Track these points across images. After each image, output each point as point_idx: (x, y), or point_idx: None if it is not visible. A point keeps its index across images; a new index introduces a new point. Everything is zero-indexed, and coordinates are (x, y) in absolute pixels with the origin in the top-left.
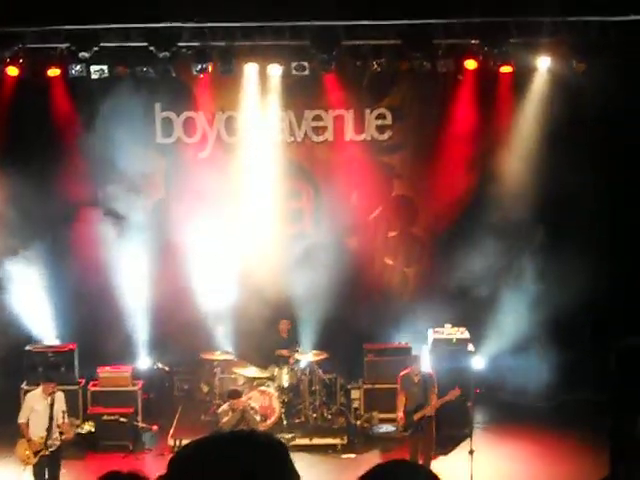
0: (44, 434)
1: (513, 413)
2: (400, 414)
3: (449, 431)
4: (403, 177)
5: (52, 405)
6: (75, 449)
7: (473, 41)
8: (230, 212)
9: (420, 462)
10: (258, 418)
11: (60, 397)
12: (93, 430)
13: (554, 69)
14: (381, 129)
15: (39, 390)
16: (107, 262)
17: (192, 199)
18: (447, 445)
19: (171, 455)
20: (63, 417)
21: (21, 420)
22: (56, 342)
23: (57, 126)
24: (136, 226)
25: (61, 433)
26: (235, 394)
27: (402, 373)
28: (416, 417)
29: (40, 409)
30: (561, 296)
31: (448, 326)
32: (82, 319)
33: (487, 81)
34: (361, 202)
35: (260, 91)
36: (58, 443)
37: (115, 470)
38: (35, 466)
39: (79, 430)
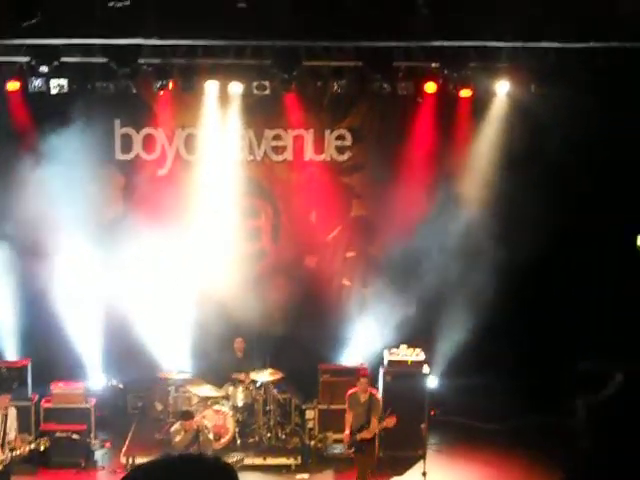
0: None
1: (467, 435)
2: (347, 432)
3: (402, 452)
4: (362, 198)
5: (5, 421)
6: (26, 465)
7: (433, 64)
8: (188, 229)
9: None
10: (212, 437)
11: (12, 413)
12: (46, 447)
13: (513, 93)
14: (341, 150)
15: None
16: (62, 278)
17: (150, 216)
18: (400, 467)
19: (123, 475)
20: (15, 433)
21: None
22: (9, 358)
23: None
24: (91, 242)
25: (12, 449)
26: (187, 415)
27: (350, 392)
28: (358, 437)
29: None
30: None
31: (404, 347)
32: (36, 336)
33: (447, 104)
34: (320, 222)
35: (220, 109)
36: (9, 459)
37: None
38: None
39: (32, 447)
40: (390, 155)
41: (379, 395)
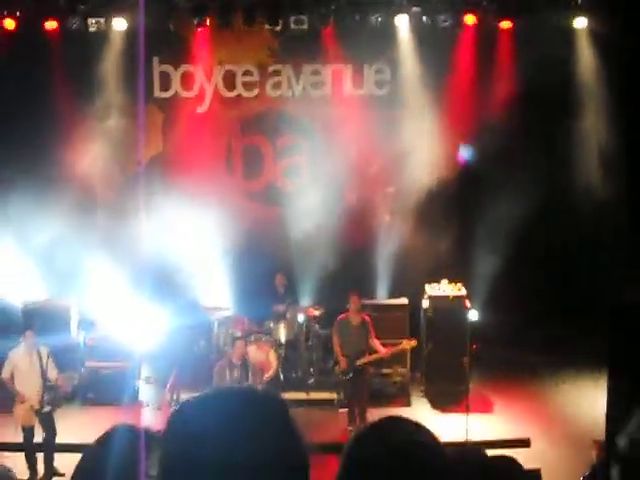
0: (38, 391)
1: (510, 369)
2: (341, 358)
3: (445, 386)
4: (402, 132)
5: (40, 360)
6: (71, 403)
7: None
8: (226, 167)
9: (356, 407)
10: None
11: (44, 351)
12: (88, 383)
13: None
14: (380, 84)
15: (20, 347)
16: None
17: (189, 153)
18: (443, 400)
19: (170, 410)
20: (54, 371)
21: (4, 375)
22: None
23: (54, 82)
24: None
25: (56, 387)
26: (236, 339)
27: (340, 316)
28: (359, 362)
29: (24, 366)
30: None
31: (445, 282)
32: (81, 275)
33: (487, 36)
34: (359, 157)
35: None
36: (52, 397)
37: (123, 423)
38: (31, 426)
39: (75, 383)
40: (430, 88)
41: (368, 318)
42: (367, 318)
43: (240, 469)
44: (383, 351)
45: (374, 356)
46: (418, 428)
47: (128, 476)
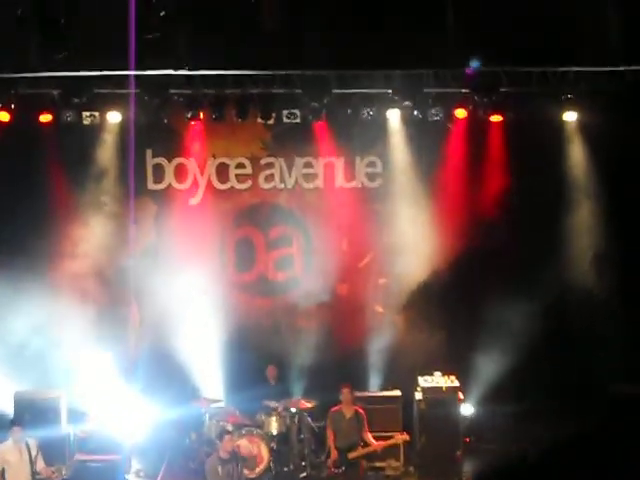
0: None
1: (505, 463)
2: (333, 451)
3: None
4: (393, 224)
5: (29, 453)
6: None
7: (463, 90)
8: (219, 258)
9: None
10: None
11: (33, 444)
12: (70, 470)
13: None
14: (371, 176)
15: (9, 442)
16: (90, 305)
17: (182, 244)
18: None
19: None
20: (42, 463)
21: None
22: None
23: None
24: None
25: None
26: (225, 433)
27: (333, 409)
28: (350, 456)
29: (14, 460)
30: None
31: (438, 374)
32: (71, 367)
33: (477, 129)
34: (351, 249)
35: (251, 139)
36: None
37: None
38: None
39: (60, 474)
40: (421, 181)
41: (362, 411)
42: (360, 411)
43: None
44: (375, 444)
45: (366, 449)
46: None
47: None
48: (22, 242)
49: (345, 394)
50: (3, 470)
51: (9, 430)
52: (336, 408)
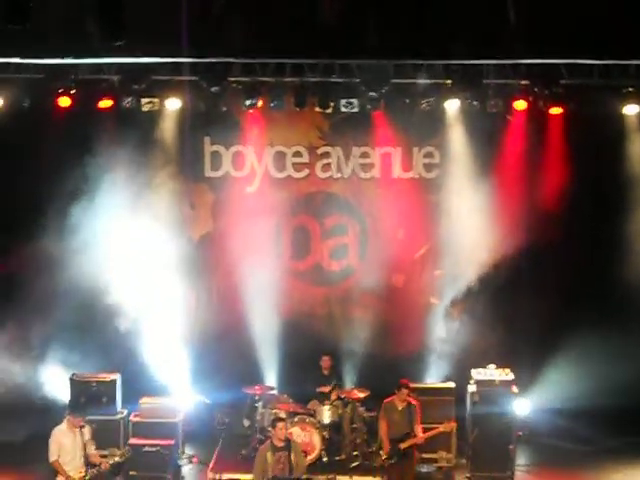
0: (80, 468)
1: (556, 457)
2: (386, 442)
3: (490, 473)
4: (451, 216)
5: (82, 437)
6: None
7: (523, 82)
8: (275, 247)
9: None
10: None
11: (87, 429)
12: (127, 458)
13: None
14: (429, 167)
15: (64, 424)
16: (149, 295)
17: (238, 232)
18: None
19: None
20: (93, 449)
21: (53, 458)
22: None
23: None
24: (181, 259)
25: (96, 465)
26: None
27: (386, 400)
28: (402, 446)
29: (68, 443)
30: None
31: (492, 367)
32: (126, 350)
33: (537, 121)
34: (407, 240)
35: (309, 127)
36: (92, 475)
37: None
38: None
39: (116, 460)
40: (479, 172)
41: (415, 402)
42: (414, 402)
43: None
44: (421, 436)
45: (413, 440)
46: None
47: None
48: (77, 225)
49: (399, 384)
50: (59, 456)
51: (65, 415)
52: (389, 399)
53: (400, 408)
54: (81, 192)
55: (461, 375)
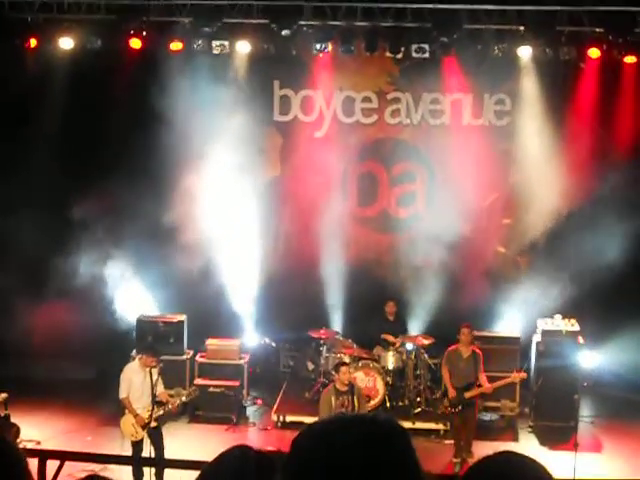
0: (148, 406)
1: (622, 409)
2: (451, 390)
3: (554, 423)
4: (521, 164)
5: (151, 377)
6: (178, 419)
7: (597, 29)
8: (342, 191)
9: (463, 439)
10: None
11: (155, 368)
12: (194, 397)
13: None
14: (500, 114)
15: (135, 362)
16: (217, 236)
17: (306, 176)
18: (551, 437)
19: (276, 431)
20: (161, 388)
21: (123, 395)
22: (167, 313)
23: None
24: (248, 202)
25: (163, 404)
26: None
27: (450, 348)
28: (467, 395)
29: (138, 381)
30: None
31: (558, 317)
32: (191, 293)
33: (611, 70)
34: (476, 187)
35: (378, 72)
36: (160, 414)
37: (243, 445)
38: (140, 440)
39: (182, 400)
40: (550, 121)
41: (479, 351)
42: (478, 351)
43: None
44: (488, 386)
45: (480, 390)
46: (531, 464)
47: None
48: (146, 169)
49: (464, 334)
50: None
51: (138, 354)
52: (453, 347)
53: (465, 356)
54: (151, 134)
55: (527, 325)
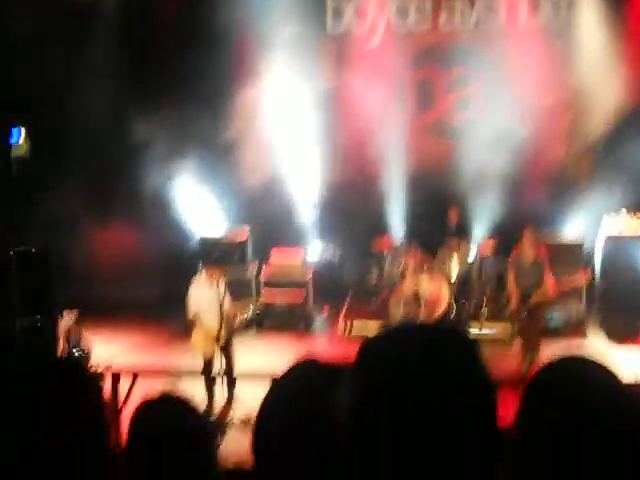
0: (217, 321)
1: None
2: (515, 295)
3: (622, 319)
4: (580, 63)
5: (218, 291)
6: (248, 331)
7: None
8: (399, 98)
9: (529, 341)
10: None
11: (222, 282)
12: (263, 310)
13: None
14: (556, 15)
15: (202, 276)
16: (277, 150)
17: (361, 86)
18: (620, 333)
19: (345, 339)
20: (229, 302)
21: (192, 312)
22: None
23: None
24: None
25: (232, 318)
26: (406, 271)
27: (514, 252)
28: (532, 301)
29: (205, 295)
30: None
31: (623, 211)
32: (255, 206)
33: None
34: (534, 89)
35: None
36: (230, 326)
37: (309, 358)
38: (212, 354)
39: (248, 314)
40: (609, 21)
41: (544, 253)
42: (543, 253)
43: (438, 401)
44: (554, 290)
45: (544, 295)
46: (598, 367)
47: (319, 409)
48: (202, 89)
49: (527, 237)
50: (197, 313)
51: (201, 268)
52: (517, 252)
53: (530, 260)
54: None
55: (592, 223)
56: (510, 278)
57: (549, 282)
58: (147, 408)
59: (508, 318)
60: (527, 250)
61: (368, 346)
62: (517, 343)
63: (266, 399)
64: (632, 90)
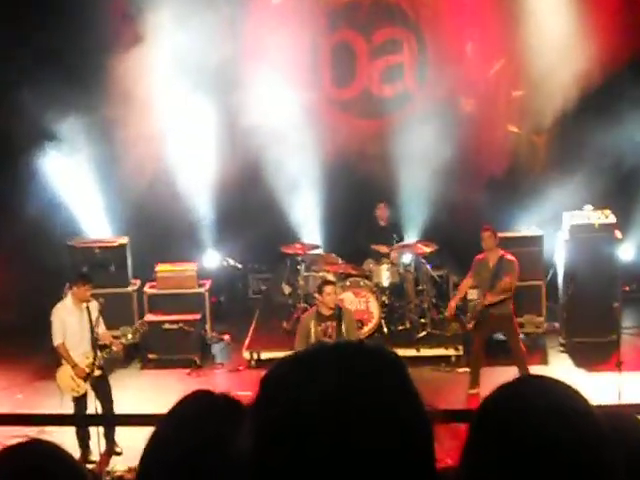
0: (88, 353)
1: None
2: (455, 299)
3: (590, 338)
4: (532, 21)
5: (89, 315)
6: (129, 366)
7: None
8: (311, 67)
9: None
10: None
11: (94, 306)
12: (143, 332)
13: None
14: None
15: (68, 299)
16: (162, 133)
17: (265, 53)
18: (589, 355)
19: (250, 371)
20: (103, 328)
21: (58, 341)
22: (105, 236)
23: None
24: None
25: (106, 347)
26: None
27: (479, 256)
28: (486, 301)
29: (73, 322)
30: None
31: (589, 208)
32: (135, 208)
33: None
34: (478, 54)
35: None
36: (106, 359)
37: (202, 390)
38: (83, 394)
39: (129, 339)
40: None
41: (510, 257)
42: (508, 256)
43: (358, 434)
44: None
45: (489, 296)
46: (559, 388)
47: (211, 451)
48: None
49: (484, 239)
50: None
51: (67, 288)
52: (481, 257)
53: (491, 265)
54: None
55: (551, 219)
56: (464, 283)
57: (501, 285)
58: (9, 456)
59: (452, 335)
60: (489, 253)
61: (273, 373)
62: (466, 365)
63: (149, 442)
64: (599, 53)
